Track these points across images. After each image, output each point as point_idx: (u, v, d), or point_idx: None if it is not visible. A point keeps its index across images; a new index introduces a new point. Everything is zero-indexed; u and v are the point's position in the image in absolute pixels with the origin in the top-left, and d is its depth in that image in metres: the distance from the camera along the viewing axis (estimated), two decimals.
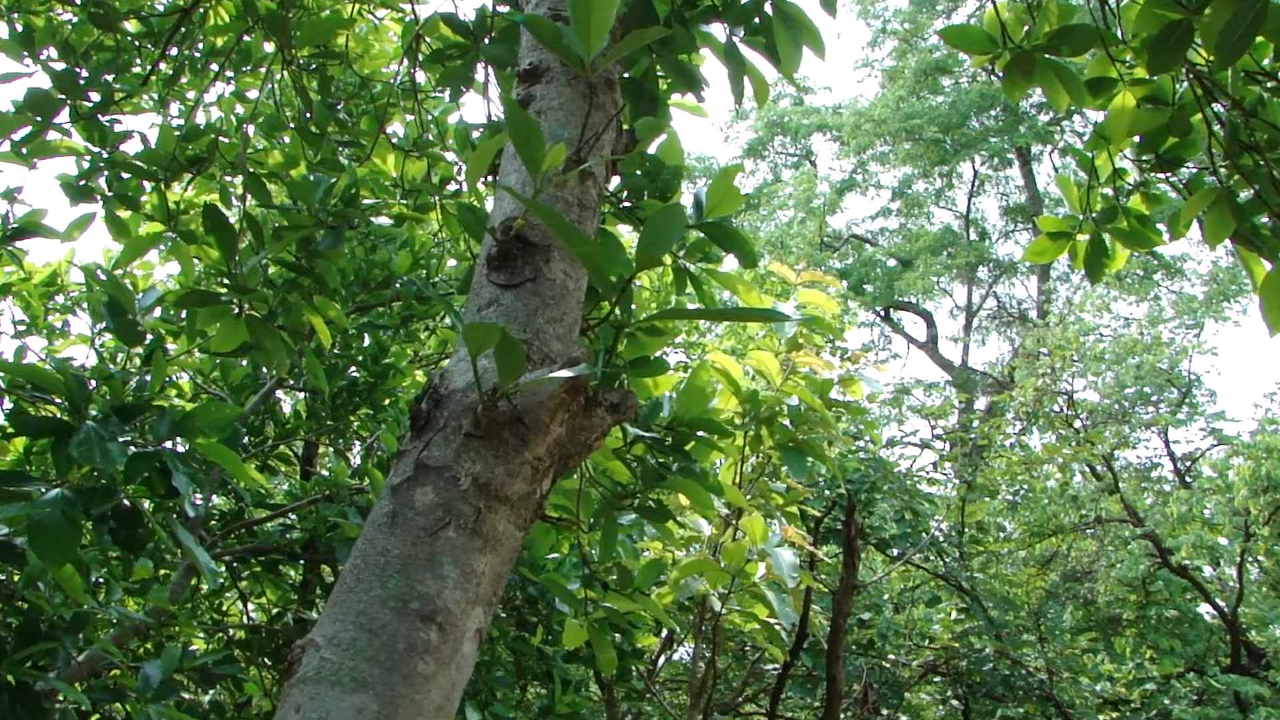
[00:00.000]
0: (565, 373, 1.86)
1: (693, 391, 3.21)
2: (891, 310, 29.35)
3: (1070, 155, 4.13)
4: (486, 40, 3.61)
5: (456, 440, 1.91)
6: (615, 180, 3.07)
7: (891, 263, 28.81)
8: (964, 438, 12.99)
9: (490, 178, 2.91)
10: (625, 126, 2.83)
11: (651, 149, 3.05)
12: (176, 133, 4.39)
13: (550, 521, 3.18)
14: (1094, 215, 3.86)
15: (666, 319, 2.76)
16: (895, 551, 10.38)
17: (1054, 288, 26.77)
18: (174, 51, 4.93)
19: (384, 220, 5.88)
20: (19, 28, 4.33)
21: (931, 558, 10.73)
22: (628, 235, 4.35)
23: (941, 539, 10.88)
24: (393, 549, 1.81)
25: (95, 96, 4.27)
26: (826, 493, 9.06)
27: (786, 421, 4.89)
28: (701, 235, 3.11)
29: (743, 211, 28.49)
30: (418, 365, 6.98)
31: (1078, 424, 14.49)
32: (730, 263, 3.69)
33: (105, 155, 4.30)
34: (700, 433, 3.22)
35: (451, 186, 5.22)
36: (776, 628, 5.28)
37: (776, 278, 9.93)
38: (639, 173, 3.05)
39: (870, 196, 30.72)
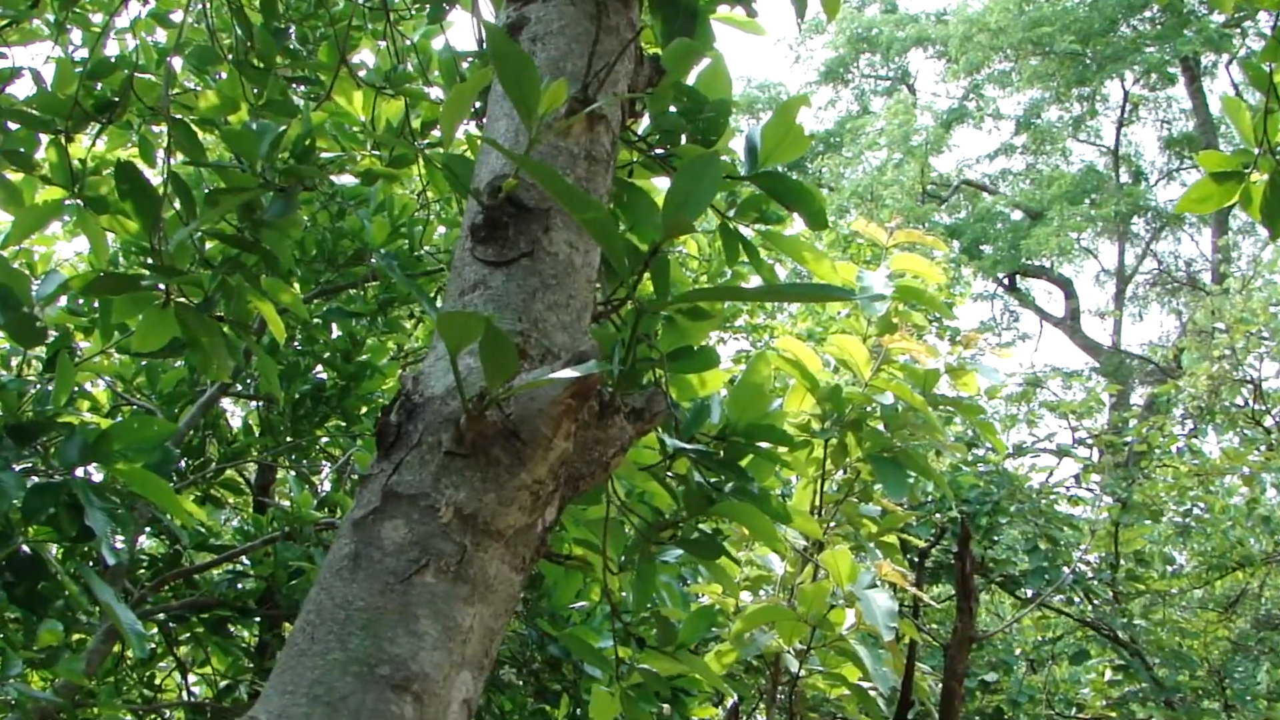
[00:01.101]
0: (570, 372, 1.87)
1: (749, 390, 3.22)
2: (1018, 278, 29.17)
3: (1246, 70, 4.06)
4: None
5: (434, 460, 1.94)
6: (646, 122, 3.08)
7: (1017, 215, 28.62)
8: (1116, 442, 12.89)
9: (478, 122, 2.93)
10: (652, 51, 2.84)
11: (691, 79, 3.05)
12: (79, 69, 4.42)
13: (560, 561, 3.20)
14: (1273, 149, 3.83)
15: (698, 300, 2.77)
16: (1027, 592, 10.32)
17: (1234, 243, 26.48)
18: None
19: (350, 179, 5.92)
20: None
21: (1076, 600, 10.65)
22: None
23: (1089, 575, 10.80)
24: (356, 600, 1.83)
25: None
26: (935, 517, 9.02)
27: (879, 426, 4.89)
28: (757, 190, 3.11)
29: (819, 154, 28.45)
30: (402, 362, 7.02)
31: (1269, 422, 14.34)
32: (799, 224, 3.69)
33: None
34: (760, 443, 3.22)
35: (437, 132, 5.25)
36: (871, 693, 5.28)
37: (864, 239, 9.91)
38: (673, 109, 3.05)
39: (987, 130, 30.61)
